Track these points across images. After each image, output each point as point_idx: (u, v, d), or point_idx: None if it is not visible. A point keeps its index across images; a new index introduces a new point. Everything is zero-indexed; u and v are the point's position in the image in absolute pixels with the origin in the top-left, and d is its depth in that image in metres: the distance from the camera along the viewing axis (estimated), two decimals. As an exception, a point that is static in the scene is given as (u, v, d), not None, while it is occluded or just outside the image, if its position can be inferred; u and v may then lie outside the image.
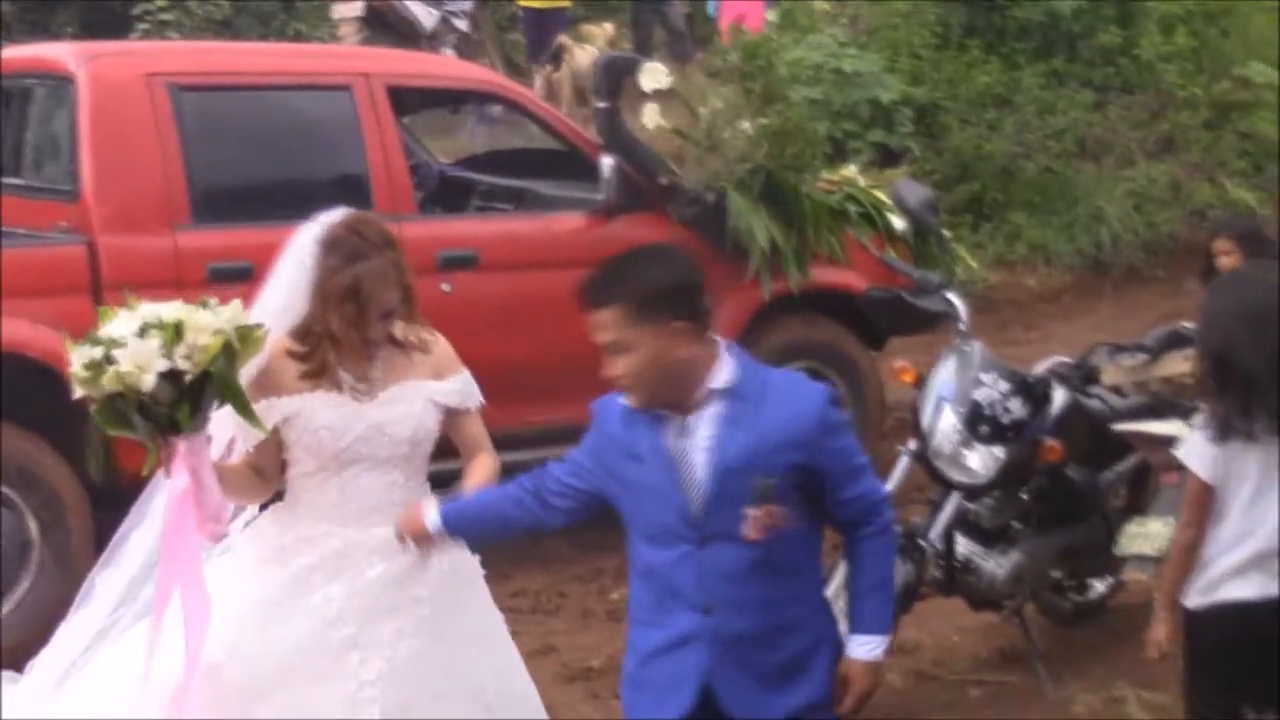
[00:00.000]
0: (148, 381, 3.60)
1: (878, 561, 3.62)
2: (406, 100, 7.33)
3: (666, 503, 3.49)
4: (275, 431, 3.92)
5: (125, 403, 3.66)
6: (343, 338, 3.85)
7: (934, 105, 12.26)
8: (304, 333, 3.92)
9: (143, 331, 3.64)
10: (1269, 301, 4.20)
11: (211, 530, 3.86)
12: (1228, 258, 6.72)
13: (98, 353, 3.64)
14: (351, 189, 6.62)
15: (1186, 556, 4.27)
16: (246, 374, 3.83)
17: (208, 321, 3.67)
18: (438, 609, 3.98)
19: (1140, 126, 12.50)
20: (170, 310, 3.69)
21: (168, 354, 3.61)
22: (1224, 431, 4.14)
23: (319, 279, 3.87)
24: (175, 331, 3.63)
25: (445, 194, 7.90)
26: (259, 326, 3.81)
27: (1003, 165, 11.96)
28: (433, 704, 3.92)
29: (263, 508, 4.15)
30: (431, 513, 3.82)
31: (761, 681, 3.52)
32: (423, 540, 3.86)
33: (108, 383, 3.62)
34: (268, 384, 3.91)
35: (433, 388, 4.01)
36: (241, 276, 6.22)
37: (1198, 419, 4.28)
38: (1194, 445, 4.23)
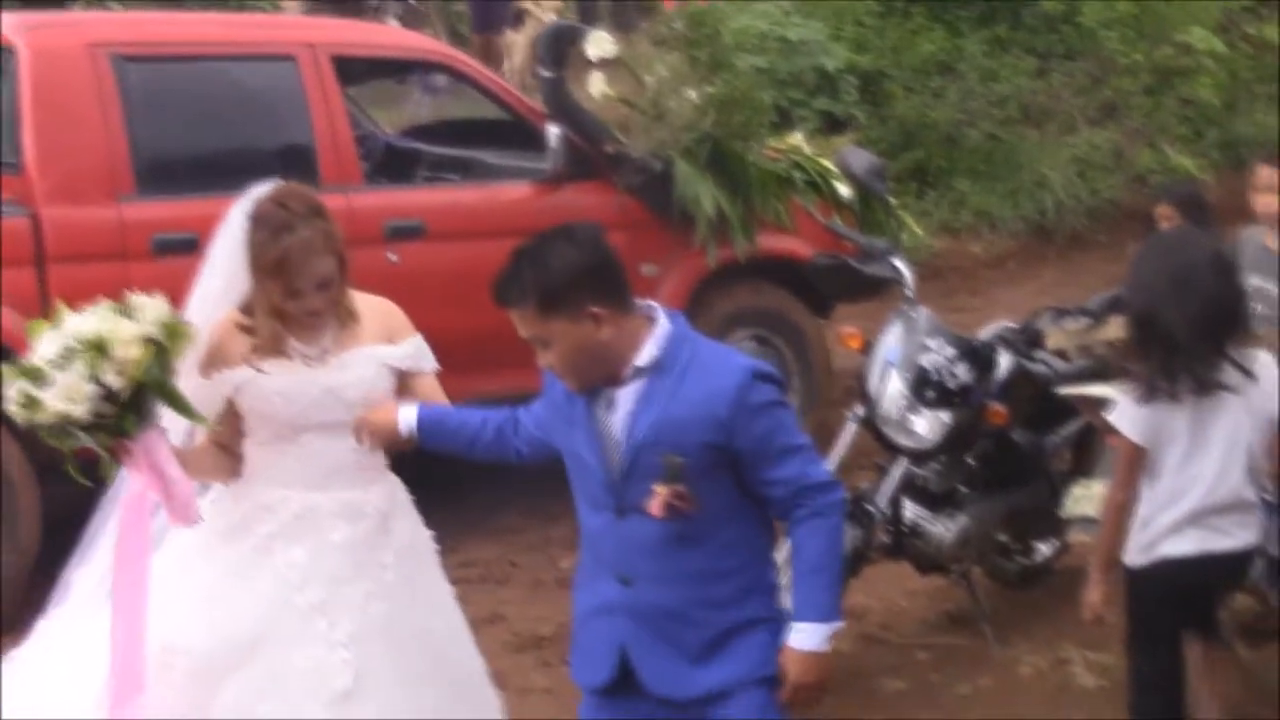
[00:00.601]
0: (81, 411, 3.60)
1: (812, 545, 3.46)
2: (352, 70, 7.29)
3: (593, 472, 3.51)
4: (231, 406, 3.92)
5: (68, 425, 3.65)
6: (276, 310, 3.84)
7: (878, 73, 12.31)
8: (247, 307, 3.92)
9: (66, 357, 3.61)
10: (1193, 263, 4.25)
11: (185, 516, 3.85)
12: (1169, 223, 6.78)
13: (29, 388, 3.62)
14: (298, 160, 6.62)
15: (1120, 517, 4.35)
16: (188, 365, 3.84)
17: (131, 332, 3.65)
18: (401, 576, 3.99)
19: (1083, 93, 12.59)
20: (92, 324, 3.66)
21: (95, 377, 3.60)
22: (1149, 393, 4.20)
23: (250, 255, 3.85)
24: (99, 350, 3.61)
25: (392, 164, 7.88)
26: (185, 320, 3.80)
27: (947, 132, 12.02)
28: (403, 667, 3.92)
29: None
30: (408, 413, 3.86)
31: (682, 656, 3.49)
32: (388, 439, 3.88)
33: (43, 417, 3.62)
34: (220, 358, 3.90)
35: (384, 352, 4.00)
36: (187, 248, 6.17)
37: (1126, 381, 4.33)
38: (1123, 408, 4.30)
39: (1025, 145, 12.11)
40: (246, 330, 3.90)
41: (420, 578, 4.08)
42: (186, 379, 3.84)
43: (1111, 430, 5.07)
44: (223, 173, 6.43)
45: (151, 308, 3.72)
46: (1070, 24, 12.77)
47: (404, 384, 4.07)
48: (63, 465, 3.83)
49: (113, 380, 3.61)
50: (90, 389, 3.59)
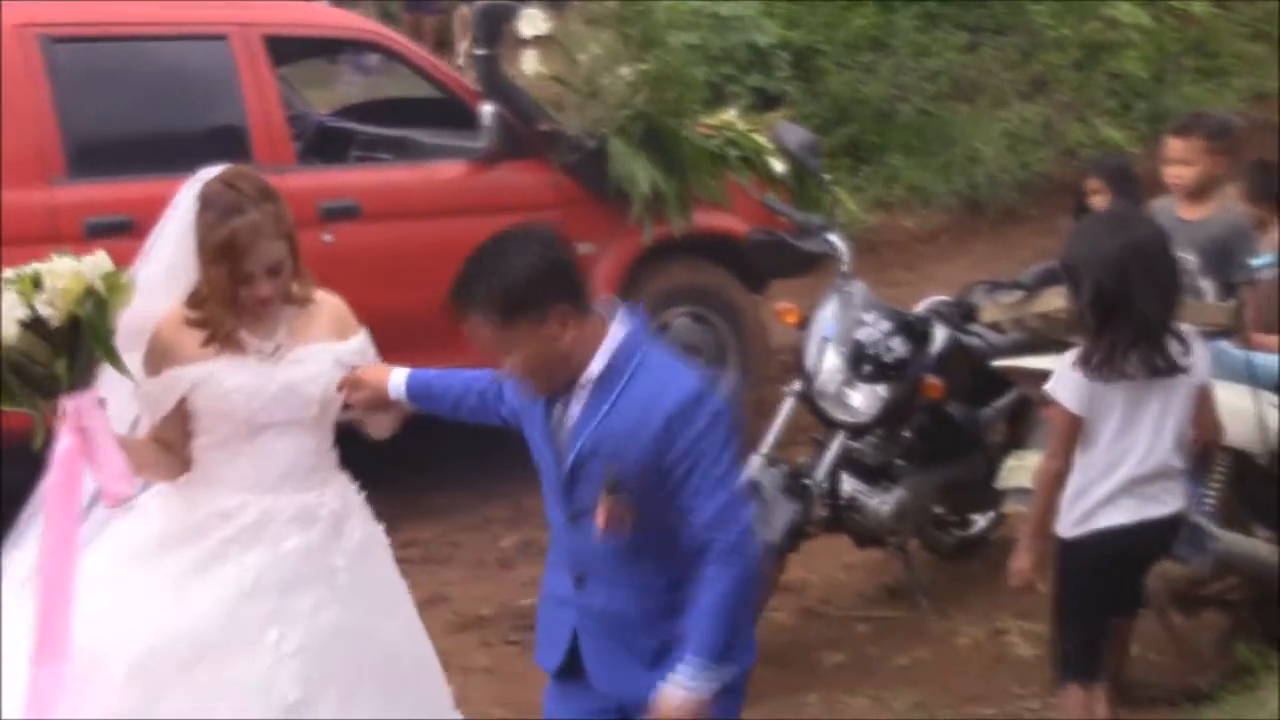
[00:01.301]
0: (9, 331, 3.48)
1: (717, 589, 3.30)
2: (284, 50, 7.25)
3: (548, 473, 3.49)
4: (180, 406, 3.78)
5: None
6: (224, 295, 3.70)
7: (811, 49, 12.32)
8: (197, 298, 3.76)
9: (3, 287, 3.52)
10: (1157, 243, 4.30)
11: (118, 491, 3.67)
12: (1099, 196, 6.84)
13: None
14: (230, 140, 6.57)
15: (1054, 487, 4.40)
16: (126, 330, 3.67)
17: (67, 266, 3.55)
18: (354, 577, 3.90)
19: (1013, 67, 12.67)
20: (32, 266, 3.57)
21: (26, 301, 3.49)
22: (1104, 369, 4.23)
23: (199, 237, 3.71)
24: (33, 281, 3.50)
25: (325, 144, 7.84)
26: (124, 272, 3.65)
27: (879, 108, 12.07)
28: (350, 674, 3.84)
29: None
30: (398, 377, 3.84)
31: (632, 659, 3.45)
32: (377, 400, 3.85)
33: None
34: (170, 356, 3.76)
35: (338, 348, 3.90)
36: (120, 230, 6.16)
37: (1071, 353, 4.37)
38: (1064, 379, 4.32)
39: (957, 120, 12.18)
40: (195, 324, 3.76)
41: (372, 577, 3.99)
42: (140, 383, 3.75)
43: (1046, 402, 5.13)
44: (155, 154, 6.44)
45: (92, 258, 3.62)
46: (1000, -2, 12.87)
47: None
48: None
49: (44, 309, 3.49)
50: (20, 309, 3.48)
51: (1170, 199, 5.78)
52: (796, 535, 5.51)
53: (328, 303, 3.97)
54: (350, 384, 3.86)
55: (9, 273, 3.55)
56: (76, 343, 3.56)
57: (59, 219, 6.20)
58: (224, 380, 3.75)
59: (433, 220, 7.03)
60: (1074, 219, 7.17)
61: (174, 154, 6.45)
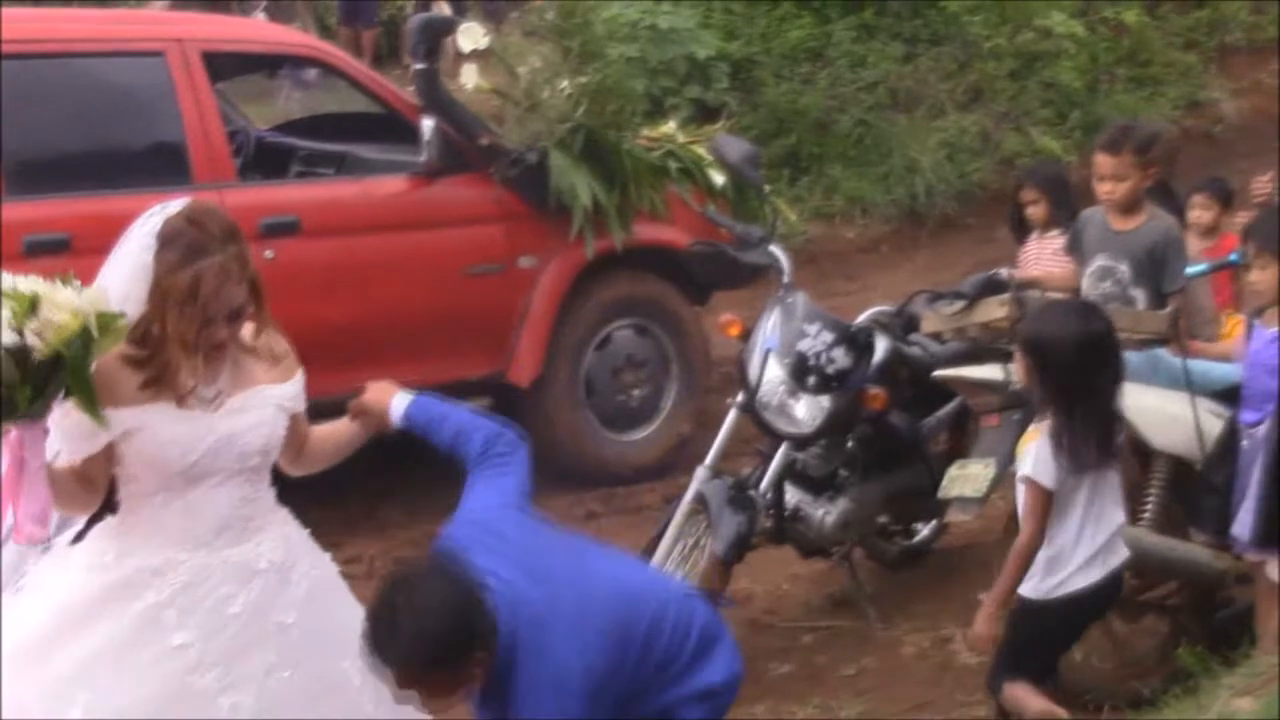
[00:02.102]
0: None
1: None
2: (222, 65, 7.22)
3: None
4: (108, 447, 3.56)
5: None
6: (185, 341, 3.50)
7: (749, 60, 12.35)
8: (142, 336, 3.53)
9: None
10: (1110, 336, 4.52)
11: (33, 533, 3.47)
12: (1035, 206, 6.93)
13: None
14: (170, 157, 6.57)
15: (1027, 561, 4.50)
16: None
17: (68, 299, 3.33)
18: (305, 629, 3.71)
19: (949, 77, 12.75)
20: (28, 282, 3.35)
21: (17, 326, 3.28)
22: (1073, 461, 4.41)
23: (157, 276, 3.48)
24: (30, 304, 3.29)
25: (265, 160, 7.81)
26: (121, 316, 3.45)
27: (818, 118, 12.11)
28: None
29: (91, 520, 3.74)
30: (400, 403, 3.85)
31: None
32: (379, 424, 3.88)
33: None
34: (106, 396, 3.49)
35: (281, 393, 3.73)
36: (59, 248, 6.14)
37: (1043, 434, 4.48)
38: (1041, 459, 4.45)
39: (895, 130, 12.25)
40: (137, 365, 3.54)
41: (328, 622, 3.75)
42: (65, 415, 3.49)
43: (987, 411, 5.20)
44: (94, 172, 6.41)
45: (92, 292, 3.42)
46: (935, 9, 12.92)
47: (291, 426, 3.81)
48: None
49: (33, 338, 3.28)
50: (9, 335, 3.26)
51: (1099, 208, 5.83)
52: (742, 547, 5.52)
53: (270, 345, 3.78)
54: (356, 411, 3.86)
55: (5, 279, 3.36)
56: (49, 376, 3.37)
57: (-1, 237, 6.14)
58: (160, 430, 3.55)
59: (374, 235, 7.02)
60: (1011, 229, 7.26)
61: (113, 171, 6.45)
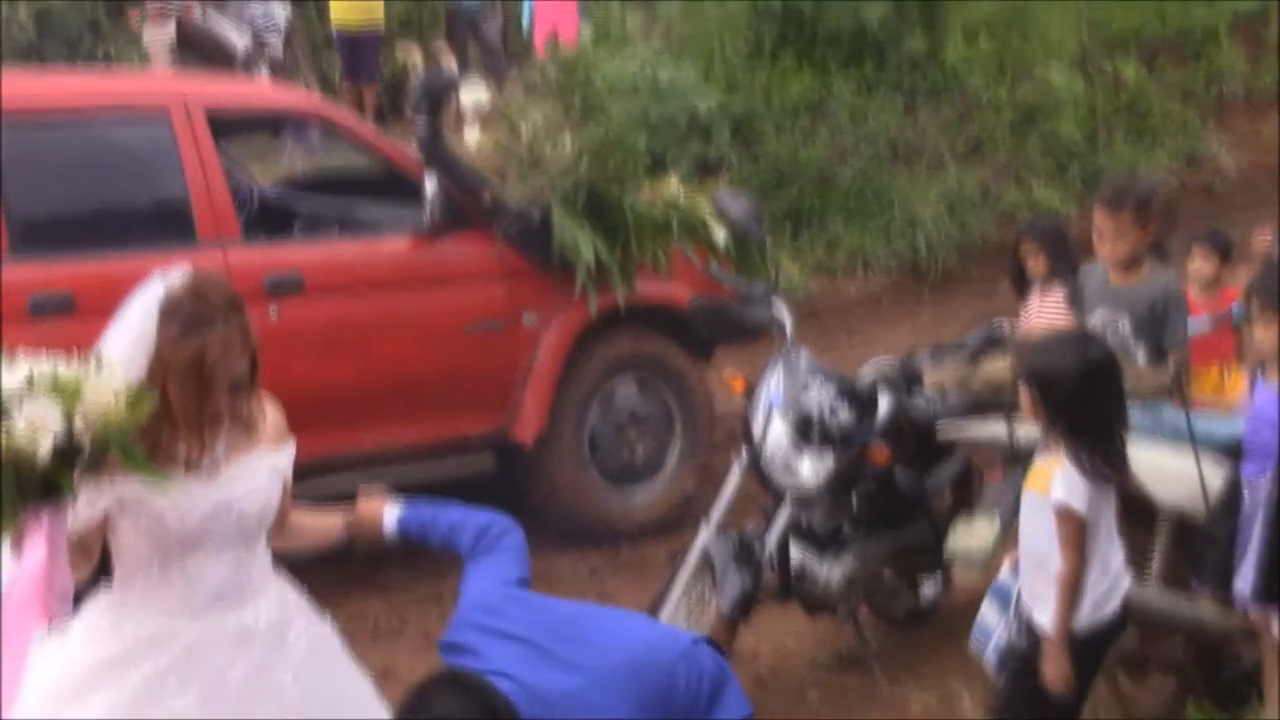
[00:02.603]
0: (44, 447, 3.19)
1: None
2: (226, 124, 7.25)
3: None
4: (103, 513, 3.52)
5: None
6: (187, 413, 3.48)
7: (749, 114, 12.41)
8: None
9: (31, 384, 3.22)
10: (1111, 361, 4.60)
11: (57, 611, 3.49)
12: (1035, 260, 6.93)
13: None
14: (174, 216, 6.58)
15: (1076, 588, 4.52)
16: None
17: (108, 382, 3.29)
18: (305, 688, 3.70)
19: (949, 131, 12.80)
20: (48, 364, 3.28)
21: (67, 416, 3.22)
22: (1097, 475, 4.46)
23: (158, 347, 3.45)
24: (70, 391, 3.23)
25: (269, 218, 7.83)
26: (149, 394, 3.39)
27: (819, 172, 12.14)
28: None
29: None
30: (391, 516, 3.86)
31: None
32: (372, 540, 3.89)
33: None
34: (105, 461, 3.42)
35: (274, 458, 3.71)
36: (64, 308, 6.16)
37: (1062, 463, 4.50)
38: (1073, 484, 4.47)
39: (895, 183, 12.28)
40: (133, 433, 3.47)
41: (325, 683, 3.76)
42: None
43: (992, 466, 5.20)
44: (99, 232, 6.43)
45: (115, 370, 3.36)
46: (934, 63, 12.98)
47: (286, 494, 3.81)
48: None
49: (80, 425, 3.23)
50: (58, 426, 3.20)
51: (1100, 264, 5.85)
52: (746, 604, 5.51)
53: (263, 407, 3.76)
54: (352, 528, 3.88)
55: (41, 365, 3.27)
56: (88, 460, 3.31)
57: (2, 298, 6.14)
58: (155, 499, 3.51)
59: (377, 292, 7.03)
60: (1012, 283, 7.27)
61: (118, 231, 6.48)
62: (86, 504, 3.48)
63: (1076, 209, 12.21)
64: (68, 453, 3.24)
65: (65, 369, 3.29)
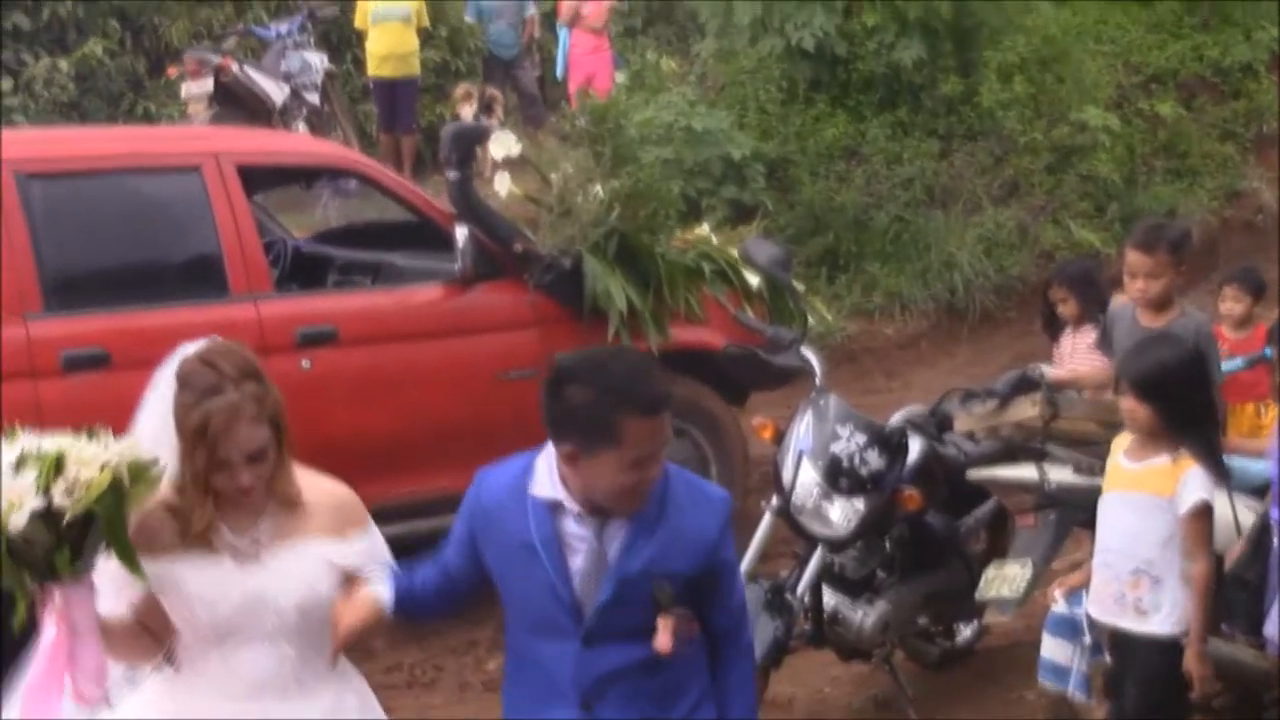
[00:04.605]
0: (17, 521, 3.18)
1: (741, 667, 3.62)
2: (258, 178, 7.31)
3: (555, 598, 3.43)
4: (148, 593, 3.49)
5: None
6: (198, 481, 3.39)
7: (784, 159, 12.41)
8: (180, 484, 3.45)
9: (20, 464, 3.22)
10: (1201, 352, 4.86)
11: (89, 693, 3.36)
12: (1065, 305, 6.91)
13: None
14: (206, 270, 6.62)
15: (1212, 587, 4.65)
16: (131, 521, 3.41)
17: (94, 454, 3.25)
18: None
19: (985, 172, 12.75)
20: (52, 441, 3.28)
21: (44, 489, 3.19)
22: (1217, 475, 4.61)
23: (175, 419, 3.41)
24: (55, 464, 3.21)
25: (302, 270, 7.88)
26: (154, 463, 3.38)
27: (854, 216, 12.12)
28: None
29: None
30: (382, 601, 3.53)
31: None
32: (369, 639, 3.61)
33: None
34: (144, 542, 3.42)
35: (329, 549, 3.53)
36: (97, 363, 6.20)
37: (1191, 464, 4.58)
38: (1207, 485, 4.60)
39: (932, 225, 12.24)
40: (175, 514, 3.45)
41: None
42: (105, 562, 3.39)
43: (1024, 511, 5.19)
44: (131, 287, 6.47)
45: (121, 443, 3.35)
46: (969, 105, 12.96)
47: (348, 585, 3.58)
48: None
49: (60, 499, 3.20)
50: (35, 500, 3.18)
51: (1129, 305, 5.82)
52: (780, 651, 5.49)
53: (331, 495, 3.61)
54: (339, 641, 3.52)
55: (26, 443, 3.28)
56: (85, 536, 3.29)
57: (35, 353, 6.18)
58: (185, 583, 3.44)
59: (410, 343, 7.05)
60: (1044, 327, 7.25)
61: (149, 286, 6.52)
62: (119, 588, 3.45)
63: (1115, 249, 12.14)
64: (50, 524, 3.21)
65: (53, 442, 3.27)
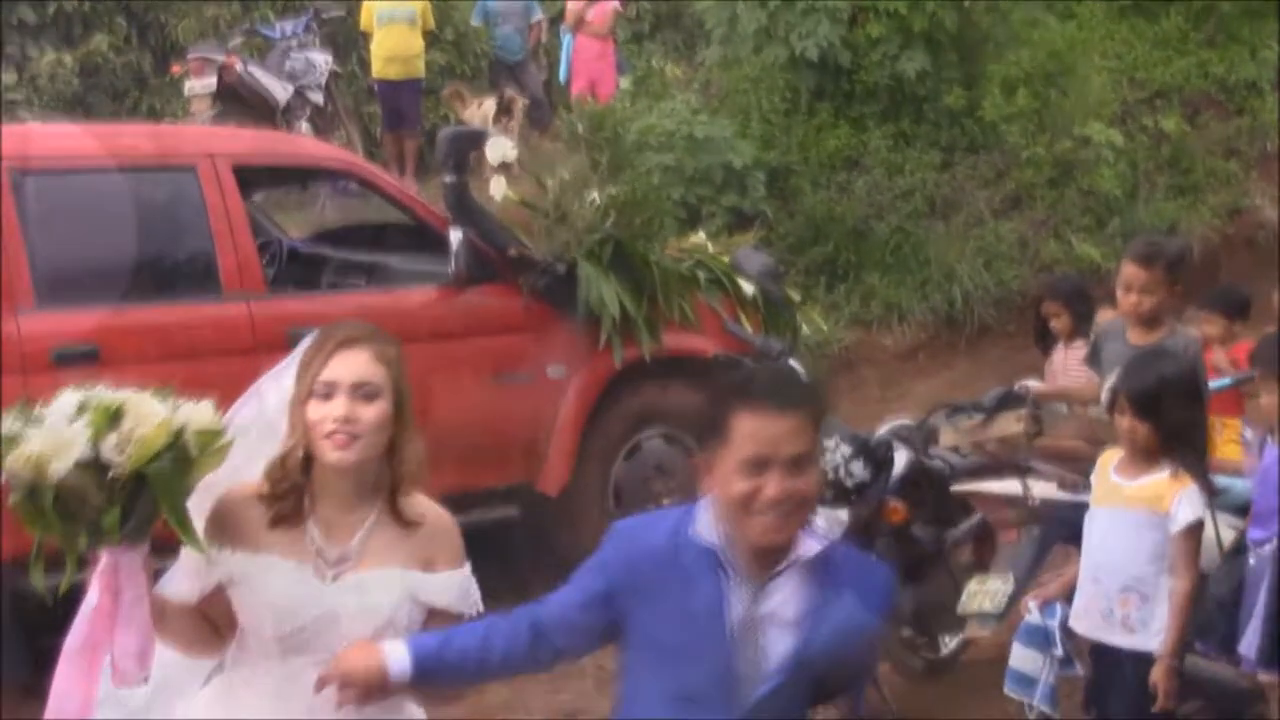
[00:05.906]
0: (58, 468, 2.99)
1: None
2: (254, 179, 7.31)
3: (709, 670, 3.02)
4: (219, 587, 3.29)
5: (42, 494, 3.02)
6: (309, 424, 3.20)
7: (786, 168, 12.41)
8: (279, 468, 3.27)
9: (79, 410, 3.05)
10: (1195, 369, 4.89)
11: (129, 672, 3.15)
12: (1057, 319, 6.91)
13: (16, 427, 3.04)
14: (199, 269, 6.64)
15: (1192, 606, 4.65)
16: (200, 504, 3.24)
17: (153, 411, 3.07)
18: None
19: (987, 185, 12.75)
20: (117, 394, 3.10)
21: (94, 440, 3.01)
22: (1206, 491, 4.60)
23: (296, 388, 3.25)
24: (110, 415, 3.03)
25: (296, 271, 7.88)
26: (221, 434, 3.17)
27: (855, 226, 12.12)
28: None
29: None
30: (399, 654, 3.12)
31: None
32: (372, 691, 3.13)
33: (13, 464, 3.00)
34: (226, 529, 3.26)
35: (416, 580, 3.29)
36: (88, 359, 6.20)
37: (1186, 482, 4.59)
38: (1199, 503, 4.61)
39: (932, 237, 12.24)
40: (266, 499, 3.26)
41: None
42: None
43: (1008, 525, 5.20)
44: (123, 284, 6.47)
45: (197, 407, 3.15)
46: (972, 118, 12.95)
47: (434, 620, 3.32)
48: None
49: (111, 454, 3.02)
50: (81, 450, 3.00)
51: (1118, 321, 5.82)
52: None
53: (433, 522, 3.37)
54: (329, 680, 3.16)
55: (94, 393, 3.12)
56: (137, 497, 3.09)
57: (25, 348, 6.18)
58: (265, 586, 3.23)
59: (403, 345, 7.03)
60: (1036, 341, 7.25)
61: (142, 283, 6.53)
62: (193, 572, 3.31)
63: (1116, 265, 12.11)
64: (97, 479, 3.04)
65: (122, 395, 3.11)
